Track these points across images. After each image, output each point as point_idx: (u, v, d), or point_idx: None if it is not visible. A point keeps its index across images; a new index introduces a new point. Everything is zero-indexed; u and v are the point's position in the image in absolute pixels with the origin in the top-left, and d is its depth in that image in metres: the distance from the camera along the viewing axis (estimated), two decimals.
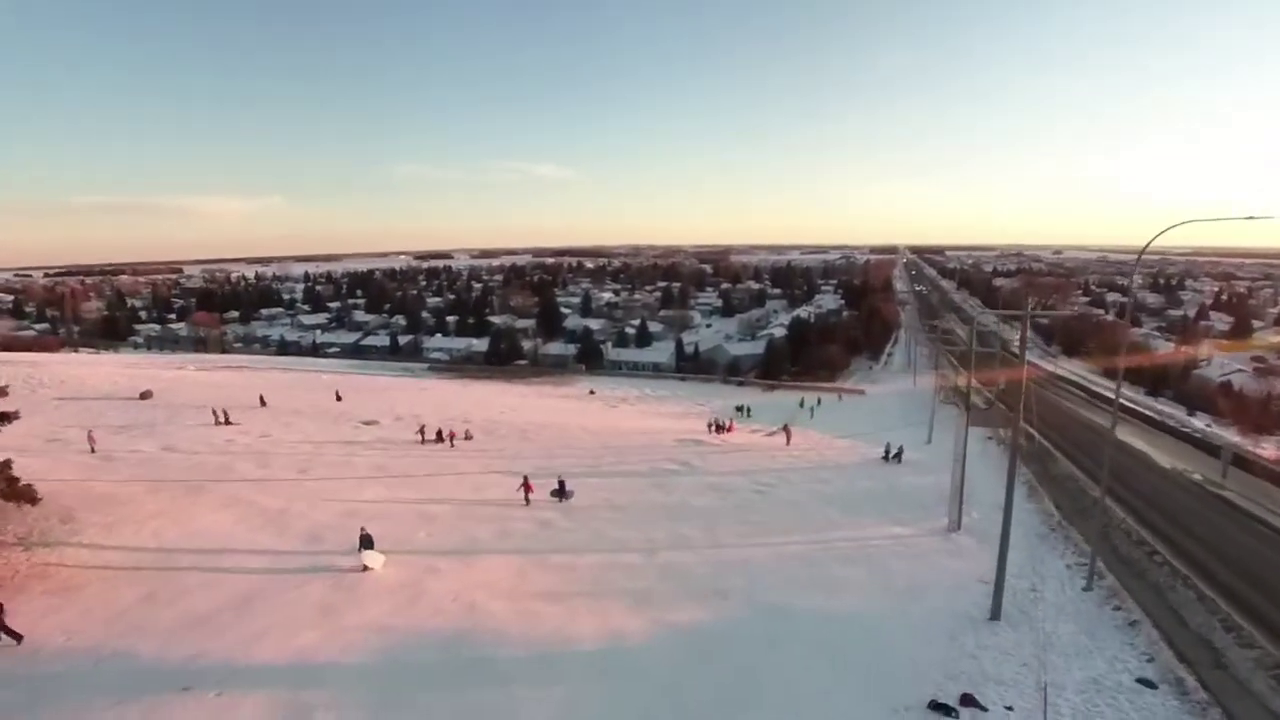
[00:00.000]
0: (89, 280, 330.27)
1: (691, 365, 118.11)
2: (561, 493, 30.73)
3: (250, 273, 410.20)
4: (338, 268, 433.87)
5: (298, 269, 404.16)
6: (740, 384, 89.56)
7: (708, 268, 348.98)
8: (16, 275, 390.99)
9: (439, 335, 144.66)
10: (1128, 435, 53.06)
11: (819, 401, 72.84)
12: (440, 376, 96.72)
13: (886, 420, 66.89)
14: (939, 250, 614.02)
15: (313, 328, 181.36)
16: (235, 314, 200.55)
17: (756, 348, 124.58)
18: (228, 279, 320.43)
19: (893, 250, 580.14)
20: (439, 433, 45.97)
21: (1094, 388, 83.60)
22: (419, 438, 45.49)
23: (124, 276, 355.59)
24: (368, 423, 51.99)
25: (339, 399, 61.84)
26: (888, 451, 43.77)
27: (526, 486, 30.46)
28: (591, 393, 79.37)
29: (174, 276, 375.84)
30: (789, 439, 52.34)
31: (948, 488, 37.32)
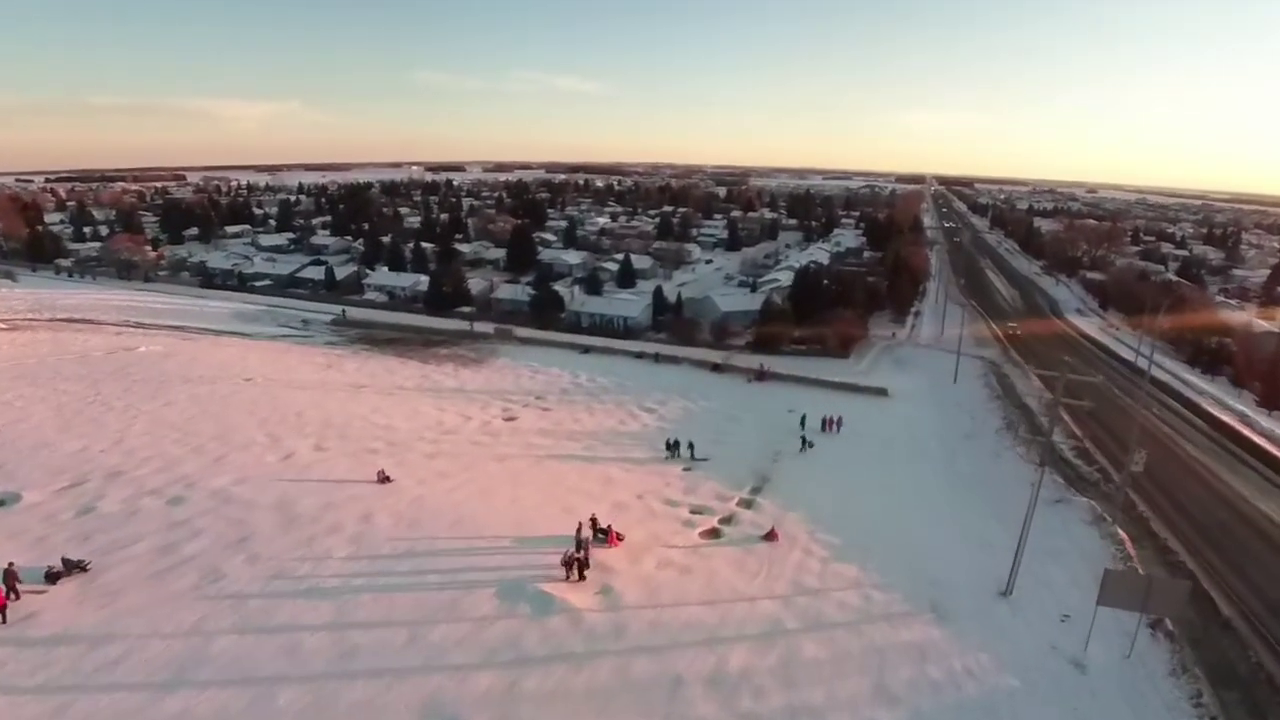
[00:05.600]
0: (79, 187, 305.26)
1: (672, 320, 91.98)
2: None
3: (259, 180, 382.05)
4: (346, 177, 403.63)
5: (306, 178, 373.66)
6: (716, 368, 63.76)
7: (721, 191, 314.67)
8: (18, 180, 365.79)
9: (384, 269, 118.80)
10: None
11: (835, 428, 46.87)
12: (331, 340, 71.92)
13: (922, 462, 41.56)
14: (968, 183, 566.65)
15: (271, 249, 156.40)
16: (195, 231, 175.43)
17: (753, 303, 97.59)
18: (218, 189, 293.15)
19: (920, 180, 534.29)
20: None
21: (1214, 410, 56.41)
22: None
23: (119, 184, 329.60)
24: None
25: None
26: None
27: None
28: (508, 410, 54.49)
29: (173, 184, 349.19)
30: (775, 534, 28.32)
31: None
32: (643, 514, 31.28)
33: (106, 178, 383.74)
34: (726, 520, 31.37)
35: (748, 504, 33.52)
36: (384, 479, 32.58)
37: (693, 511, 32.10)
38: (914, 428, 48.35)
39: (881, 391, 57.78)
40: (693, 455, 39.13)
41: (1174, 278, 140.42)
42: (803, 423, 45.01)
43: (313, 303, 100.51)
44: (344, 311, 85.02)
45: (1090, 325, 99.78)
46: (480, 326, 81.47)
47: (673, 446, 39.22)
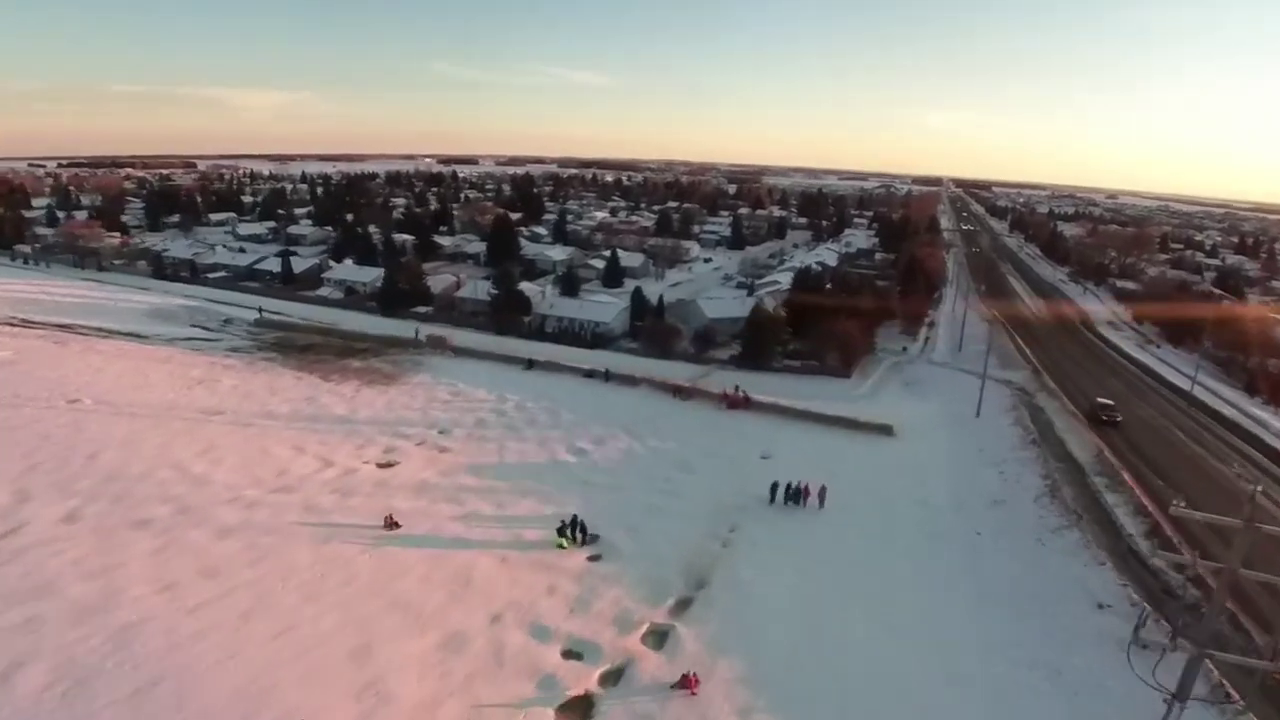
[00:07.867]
0: (83, 172, 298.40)
1: (651, 326, 79.84)
2: None
3: (266, 169, 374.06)
4: (358, 168, 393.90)
5: (318, 168, 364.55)
6: (679, 393, 51.59)
7: (731, 188, 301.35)
8: (30, 165, 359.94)
9: (348, 261, 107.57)
10: None
11: (819, 501, 33.13)
12: (240, 345, 60.75)
13: (933, 555, 29.39)
14: (986, 186, 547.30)
15: (248, 238, 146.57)
16: (176, 218, 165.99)
17: (745, 308, 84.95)
18: (220, 176, 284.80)
19: (936, 182, 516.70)
20: None
21: None
22: None
23: (125, 170, 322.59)
24: None
25: None
26: None
27: None
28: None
29: (181, 170, 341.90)
30: (690, 683, 16.89)
31: None
32: (482, 660, 19.51)
33: (118, 164, 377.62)
34: (615, 674, 19.50)
35: (661, 636, 21.61)
36: (391, 524, 27.62)
37: (567, 653, 20.27)
38: (924, 487, 36.04)
39: (885, 429, 45.47)
40: (583, 540, 27.11)
41: (1213, 289, 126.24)
42: (773, 493, 32.88)
43: (261, 297, 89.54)
44: (261, 310, 73.73)
45: (1127, 341, 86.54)
46: (430, 329, 70.02)
47: (568, 530, 27.16)
